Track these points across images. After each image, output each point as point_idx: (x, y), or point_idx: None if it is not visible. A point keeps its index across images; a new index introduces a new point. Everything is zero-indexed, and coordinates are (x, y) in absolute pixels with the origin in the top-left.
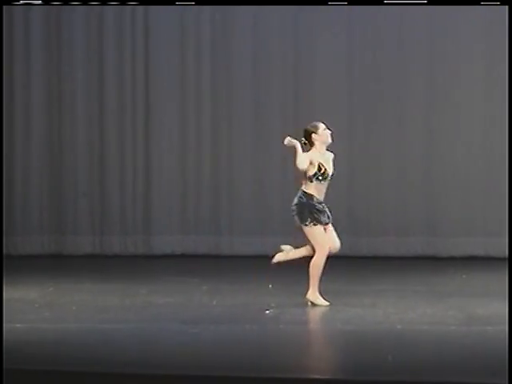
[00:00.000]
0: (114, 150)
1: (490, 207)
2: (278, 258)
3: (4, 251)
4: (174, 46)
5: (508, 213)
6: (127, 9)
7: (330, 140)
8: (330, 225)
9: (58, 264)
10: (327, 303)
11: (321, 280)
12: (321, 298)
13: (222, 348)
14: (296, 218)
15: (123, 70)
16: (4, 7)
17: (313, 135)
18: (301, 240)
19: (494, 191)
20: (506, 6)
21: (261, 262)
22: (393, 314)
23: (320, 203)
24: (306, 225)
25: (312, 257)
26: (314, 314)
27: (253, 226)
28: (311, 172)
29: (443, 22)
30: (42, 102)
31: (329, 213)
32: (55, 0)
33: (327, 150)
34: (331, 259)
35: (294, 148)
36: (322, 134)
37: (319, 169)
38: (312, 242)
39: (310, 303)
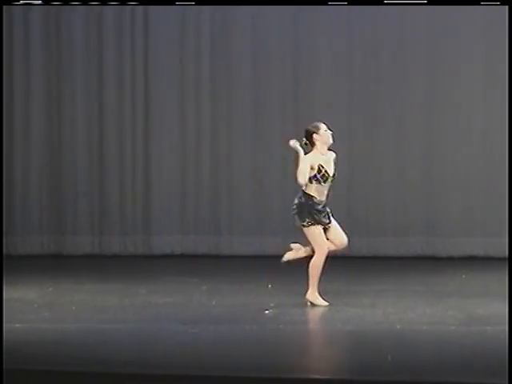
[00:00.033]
0: (114, 150)
1: (490, 207)
2: (288, 256)
3: (4, 251)
4: (173, 46)
5: (508, 213)
6: (127, 9)
7: (331, 141)
8: (332, 222)
9: (57, 264)
10: (326, 303)
11: (320, 280)
12: (320, 298)
13: (222, 348)
14: (295, 217)
15: (123, 70)
16: (4, 7)
17: (314, 135)
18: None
19: (493, 191)
20: (506, 6)
21: (260, 262)
22: (392, 313)
23: (320, 204)
24: (304, 225)
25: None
26: (314, 314)
27: (252, 226)
28: (311, 174)
29: (443, 22)
30: (42, 102)
31: (329, 214)
32: (55, 0)
33: (329, 149)
34: (330, 259)
35: (296, 152)
36: (323, 135)
37: (319, 171)
38: (311, 242)
39: (309, 303)
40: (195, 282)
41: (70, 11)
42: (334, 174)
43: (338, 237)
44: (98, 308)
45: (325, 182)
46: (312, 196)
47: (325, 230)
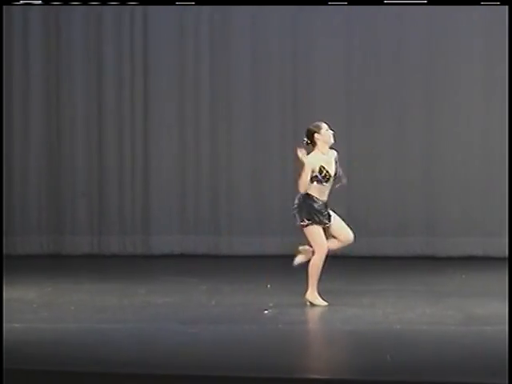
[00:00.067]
0: (113, 150)
1: (489, 207)
2: (299, 259)
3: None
4: (172, 47)
5: (508, 213)
6: (126, 9)
7: (332, 140)
8: (336, 219)
9: (56, 264)
10: (326, 303)
11: (320, 280)
12: (319, 298)
13: (221, 348)
14: (296, 217)
15: (122, 70)
16: (3, 7)
17: (315, 135)
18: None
19: (492, 191)
20: (506, 6)
21: (260, 262)
22: (392, 313)
23: (321, 204)
24: (303, 225)
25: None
26: (313, 314)
27: (252, 226)
28: (312, 175)
29: (443, 21)
30: (41, 102)
31: (330, 213)
32: (55, 0)
33: (330, 147)
34: (330, 259)
35: (301, 162)
36: (325, 134)
37: (320, 171)
38: (311, 241)
39: (308, 303)
40: (195, 281)
41: (69, 11)
42: (335, 174)
43: (344, 233)
44: (97, 308)
45: (326, 181)
46: (312, 196)
47: (325, 229)
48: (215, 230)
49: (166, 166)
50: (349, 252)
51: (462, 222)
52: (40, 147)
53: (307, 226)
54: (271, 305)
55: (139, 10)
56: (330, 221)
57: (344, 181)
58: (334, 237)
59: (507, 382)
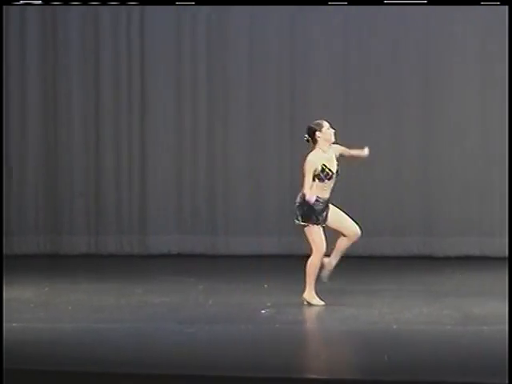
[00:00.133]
0: (110, 150)
1: (486, 207)
2: (325, 274)
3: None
4: (169, 46)
5: (508, 213)
6: (123, 9)
7: (333, 139)
8: (341, 216)
9: (53, 264)
10: (323, 303)
11: (317, 279)
12: (317, 297)
13: (218, 348)
14: (296, 215)
15: (119, 70)
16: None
17: (316, 133)
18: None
19: (489, 191)
20: (506, 6)
21: (257, 262)
22: (389, 313)
23: (322, 202)
24: (303, 224)
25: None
26: (310, 314)
27: (249, 226)
28: (314, 173)
29: (442, 21)
30: (38, 102)
31: (328, 214)
32: (54, 0)
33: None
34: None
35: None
36: (326, 133)
37: (322, 170)
38: (310, 241)
39: (305, 303)
40: (192, 281)
41: (65, 11)
42: (337, 171)
43: (352, 228)
44: (94, 308)
45: (329, 179)
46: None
47: (324, 228)
48: (212, 229)
49: (162, 165)
50: (346, 251)
51: (459, 222)
52: (37, 147)
53: (308, 225)
54: (268, 304)
55: (136, 9)
56: (326, 221)
57: (366, 151)
58: (343, 234)
59: (507, 382)
